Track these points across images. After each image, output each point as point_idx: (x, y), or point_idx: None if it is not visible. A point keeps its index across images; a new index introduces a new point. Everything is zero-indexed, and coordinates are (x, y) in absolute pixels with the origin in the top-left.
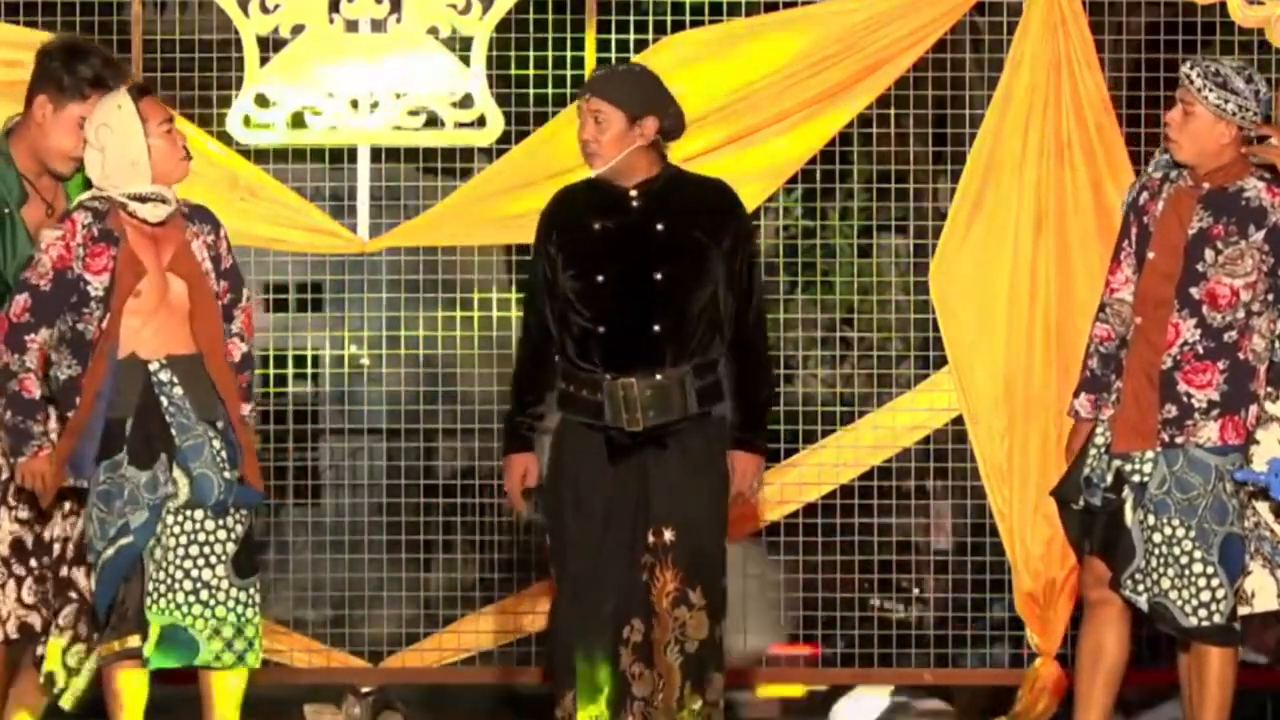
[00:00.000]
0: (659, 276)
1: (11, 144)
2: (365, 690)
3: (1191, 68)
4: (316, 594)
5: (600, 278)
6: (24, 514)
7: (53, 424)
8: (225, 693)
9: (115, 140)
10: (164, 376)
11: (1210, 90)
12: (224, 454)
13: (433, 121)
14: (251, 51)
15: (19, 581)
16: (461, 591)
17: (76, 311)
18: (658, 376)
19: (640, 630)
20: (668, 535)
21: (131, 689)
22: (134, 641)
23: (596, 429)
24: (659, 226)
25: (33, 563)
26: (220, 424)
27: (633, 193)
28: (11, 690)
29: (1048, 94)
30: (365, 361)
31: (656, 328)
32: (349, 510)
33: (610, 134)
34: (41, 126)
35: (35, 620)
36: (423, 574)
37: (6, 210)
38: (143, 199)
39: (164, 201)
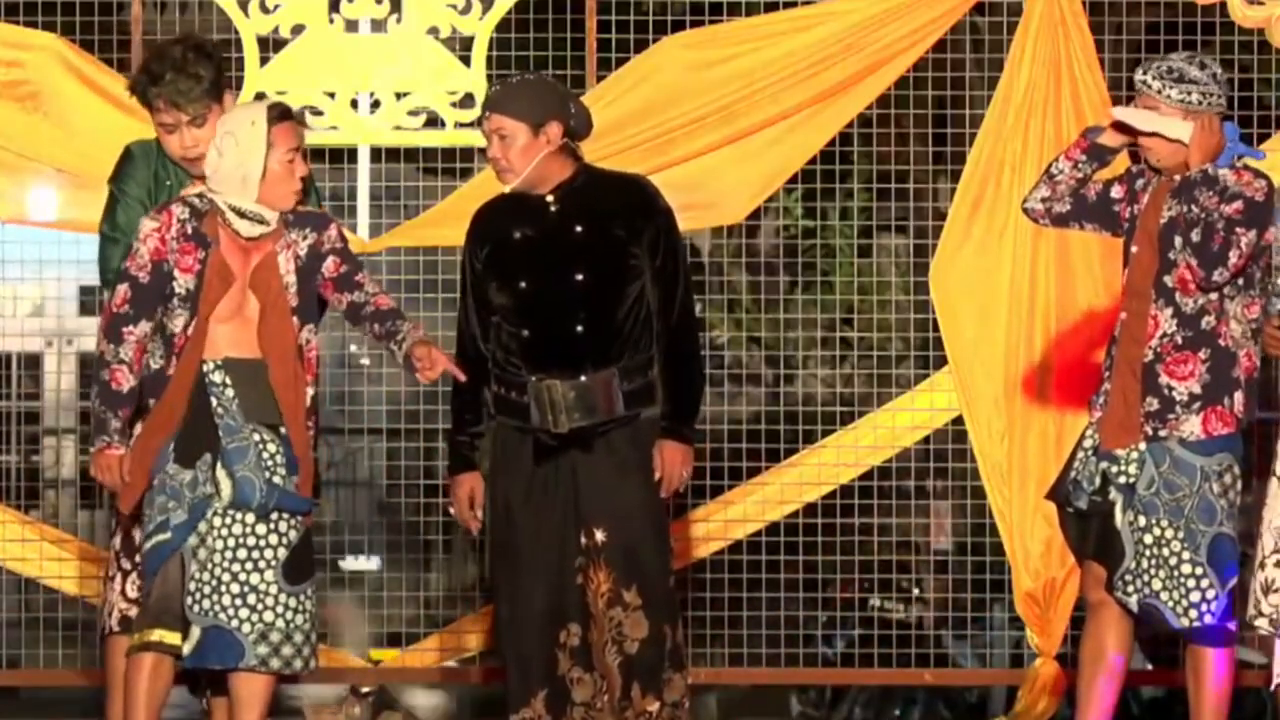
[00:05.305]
0: (580, 278)
1: None
2: (365, 690)
3: (1144, 72)
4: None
5: (523, 284)
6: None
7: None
8: (250, 696)
9: (236, 153)
10: (217, 378)
11: (1171, 88)
12: (277, 459)
13: (433, 121)
14: (251, 51)
15: (124, 575)
16: (461, 591)
17: (164, 305)
18: (582, 378)
19: (577, 634)
20: (599, 535)
21: (145, 682)
22: (155, 636)
23: (526, 432)
24: (578, 228)
25: (137, 559)
26: (281, 429)
27: (549, 198)
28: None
29: (1048, 94)
30: (365, 361)
31: (580, 329)
32: (349, 510)
33: (516, 148)
34: None
35: (135, 614)
36: (423, 574)
37: (169, 183)
38: (241, 214)
39: (262, 222)
